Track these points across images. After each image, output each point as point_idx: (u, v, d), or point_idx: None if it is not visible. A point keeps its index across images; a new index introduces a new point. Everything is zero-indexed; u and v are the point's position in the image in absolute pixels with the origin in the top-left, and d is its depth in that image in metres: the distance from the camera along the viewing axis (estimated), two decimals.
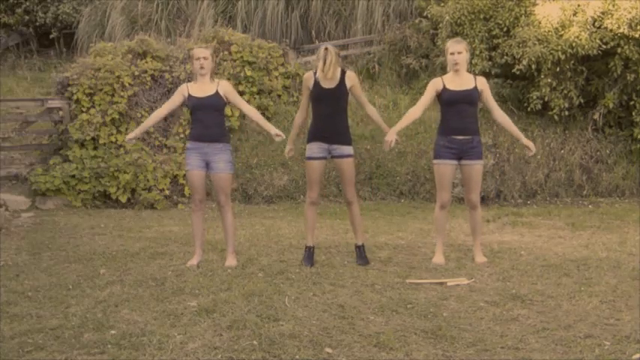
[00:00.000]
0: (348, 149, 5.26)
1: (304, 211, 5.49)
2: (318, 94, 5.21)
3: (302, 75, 10.69)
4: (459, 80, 5.27)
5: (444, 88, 5.28)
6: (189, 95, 5.25)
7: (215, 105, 5.23)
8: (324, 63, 5.10)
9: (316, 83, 5.21)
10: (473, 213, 5.46)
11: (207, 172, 5.31)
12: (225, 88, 5.32)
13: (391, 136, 5.18)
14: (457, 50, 5.25)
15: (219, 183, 5.27)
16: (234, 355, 3.35)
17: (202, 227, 5.46)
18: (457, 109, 5.26)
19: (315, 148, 5.27)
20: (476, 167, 5.32)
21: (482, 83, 5.34)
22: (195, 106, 5.23)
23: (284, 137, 5.30)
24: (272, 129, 5.33)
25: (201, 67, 5.23)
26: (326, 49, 5.15)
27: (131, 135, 5.40)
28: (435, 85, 5.34)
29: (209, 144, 5.20)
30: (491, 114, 5.52)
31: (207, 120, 5.21)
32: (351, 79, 5.24)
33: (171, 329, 3.73)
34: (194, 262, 5.30)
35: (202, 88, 5.26)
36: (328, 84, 5.18)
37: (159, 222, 7.76)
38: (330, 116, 5.23)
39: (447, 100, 5.28)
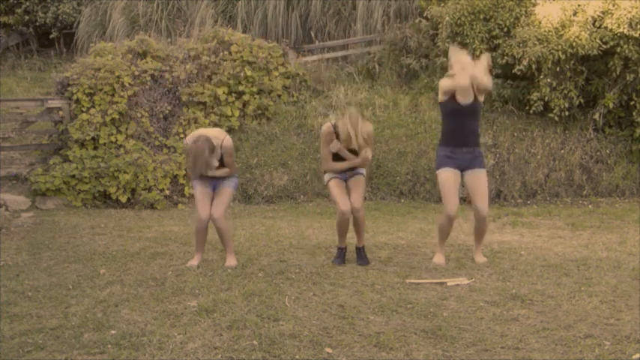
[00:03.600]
0: (362, 170, 5.47)
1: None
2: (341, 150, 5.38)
3: (302, 75, 10.72)
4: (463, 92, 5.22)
5: (450, 98, 5.21)
6: None
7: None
8: (351, 128, 5.10)
9: (337, 139, 5.29)
10: (481, 224, 5.33)
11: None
12: (225, 150, 5.29)
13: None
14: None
15: (218, 196, 5.33)
16: (234, 355, 3.35)
17: (206, 234, 5.47)
18: (460, 121, 5.22)
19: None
20: (480, 175, 5.25)
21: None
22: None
23: None
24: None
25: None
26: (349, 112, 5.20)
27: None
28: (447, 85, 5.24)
29: (211, 179, 5.33)
30: None
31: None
32: (366, 135, 5.18)
33: (171, 329, 3.73)
34: (194, 262, 5.31)
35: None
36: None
37: (159, 222, 7.76)
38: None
39: (450, 112, 5.24)
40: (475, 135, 5.30)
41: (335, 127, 5.26)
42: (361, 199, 5.39)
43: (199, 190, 5.35)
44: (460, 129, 5.22)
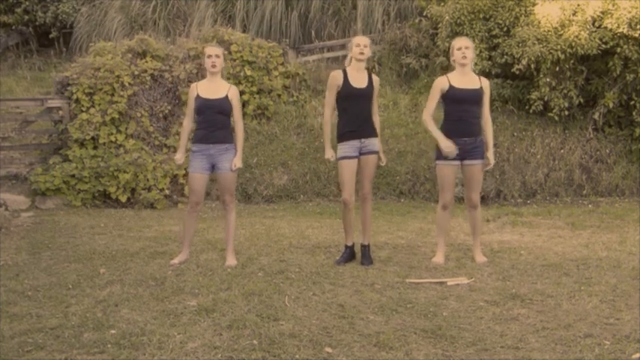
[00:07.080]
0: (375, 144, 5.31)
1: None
2: (349, 93, 5.23)
3: (301, 74, 10.73)
4: (466, 79, 5.22)
5: (451, 86, 5.21)
6: (198, 95, 5.26)
7: (222, 108, 5.23)
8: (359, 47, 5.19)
9: (346, 83, 5.22)
10: (473, 212, 5.45)
11: (210, 174, 5.35)
12: (233, 94, 5.31)
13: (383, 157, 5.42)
14: (464, 45, 5.21)
15: (224, 183, 5.31)
16: (234, 355, 3.35)
17: (194, 228, 5.50)
18: (463, 109, 5.19)
19: (347, 148, 5.26)
20: (478, 167, 5.30)
21: (486, 86, 5.31)
22: (201, 107, 5.23)
23: (240, 166, 5.30)
24: (238, 158, 5.29)
25: (213, 66, 5.24)
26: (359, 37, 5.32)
27: (178, 155, 5.38)
28: (440, 85, 5.26)
29: (214, 145, 5.22)
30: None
31: (214, 122, 5.22)
32: (376, 83, 5.32)
33: (171, 329, 3.73)
34: (176, 261, 5.35)
35: (212, 88, 5.26)
36: (358, 83, 5.20)
37: (159, 222, 7.76)
38: (361, 114, 5.25)
39: (453, 99, 5.20)
40: (477, 123, 5.26)
41: (344, 71, 5.27)
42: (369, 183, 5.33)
43: (192, 176, 5.26)
44: (463, 117, 5.19)
